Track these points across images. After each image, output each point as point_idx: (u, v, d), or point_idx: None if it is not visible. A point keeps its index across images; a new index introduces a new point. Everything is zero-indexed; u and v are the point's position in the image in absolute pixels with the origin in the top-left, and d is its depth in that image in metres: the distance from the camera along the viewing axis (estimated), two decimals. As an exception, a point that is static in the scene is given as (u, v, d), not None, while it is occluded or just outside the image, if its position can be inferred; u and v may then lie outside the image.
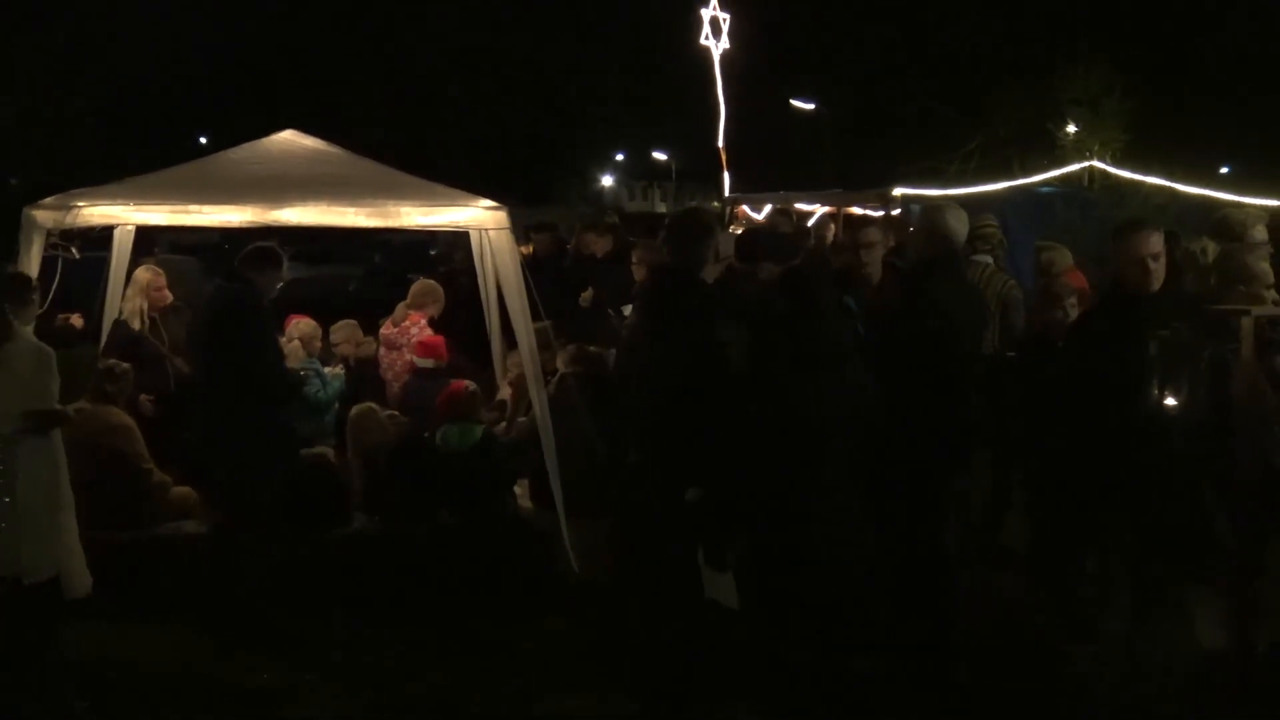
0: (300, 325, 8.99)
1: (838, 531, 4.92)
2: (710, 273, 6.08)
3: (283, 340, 8.27)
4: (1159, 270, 5.07)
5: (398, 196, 7.79)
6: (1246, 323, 4.57)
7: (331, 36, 46.09)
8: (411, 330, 9.61)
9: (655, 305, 5.65)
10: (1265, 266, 5.26)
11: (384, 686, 6.18)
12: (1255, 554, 4.64)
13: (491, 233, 7.99)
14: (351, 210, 7.61)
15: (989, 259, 8.48)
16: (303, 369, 8.32)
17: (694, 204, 25.08)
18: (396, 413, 8.65)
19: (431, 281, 10.08)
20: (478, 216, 7.85)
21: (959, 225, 5.93)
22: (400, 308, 9.93)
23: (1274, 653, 5.13)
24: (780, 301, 5.09)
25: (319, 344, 9.15)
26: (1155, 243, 5.09)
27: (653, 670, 5.49)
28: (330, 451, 8.08)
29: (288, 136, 8.45)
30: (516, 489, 8.28)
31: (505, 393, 9.31)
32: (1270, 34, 29.13)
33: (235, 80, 44.99)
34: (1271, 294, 5.19)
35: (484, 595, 7.26)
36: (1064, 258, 8.65)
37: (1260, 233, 5.93)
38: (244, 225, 7.64)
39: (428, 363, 9.06)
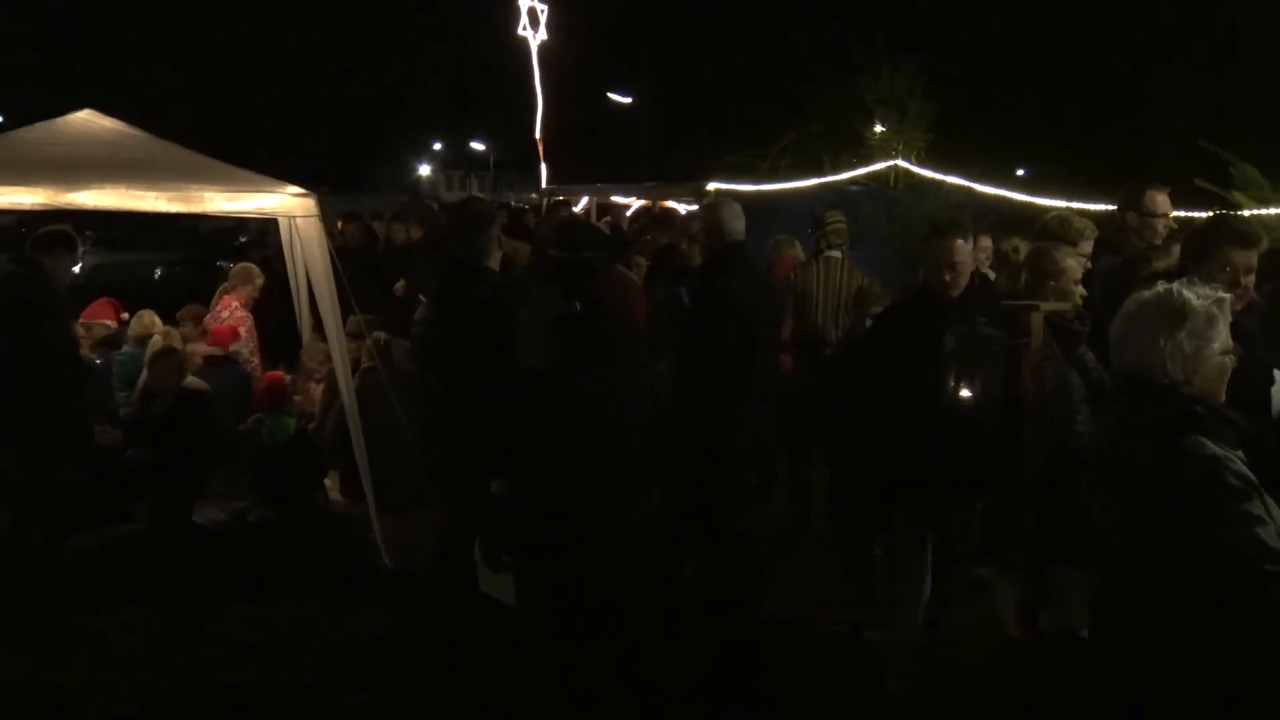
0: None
1: (625, 530, 4.91)
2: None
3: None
4: (958, 278, 5.23)
5: (201, 181, 7.55)
6: (1036, 317, 4.76)
7: (140, 18, 44.55)
8: (222, 314, 9.37)
9: (444, 297, 5.61)
10: (1073, 262, 5.44)
11: (186, 684, 6.00)
12: (1044, 541, 4.81)
13: (300, 220, 7.84)
14: (152, 195, 7.34)
15: (839, 253, 8.94)
16: None
17: (473, 194, 25.02)
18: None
19: (248, 263, 9.85)
20: (285, 203, 7.69)
21: (734, 220, 6.07)
22: (218, 292, 9.71)
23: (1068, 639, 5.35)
24: (563, 294, 5.07)
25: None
26: (961, 250, 5.25)
27: (457, 665, 5.44)
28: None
29: (85, 116, 8.10)
30: (327, 482, 8.17)
31: (312, 387, 9.15)
32: (1063, 44, 30.58)
33: (35, 59, 43.10)
34: (1080, 290, 5.38)
35: (294, 590, 7.12)
36: (789, 250, 9.28)
37: (1088, 246, 6.17)
38: (36, 208, 7.29)
39: (217, 351, 8.83)
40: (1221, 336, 3.45)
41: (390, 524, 7.71)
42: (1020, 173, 25.04)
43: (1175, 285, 3.54)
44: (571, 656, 5.01)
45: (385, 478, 7.81)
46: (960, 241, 5.27)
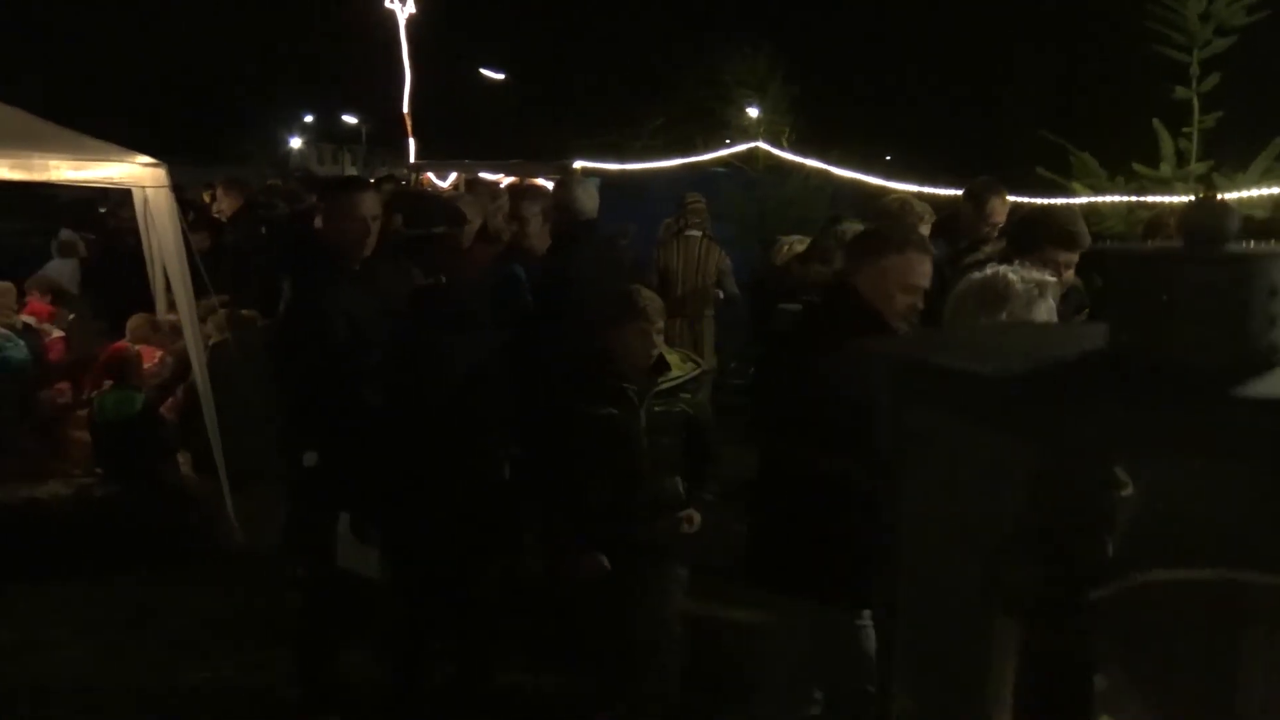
0: None
1: (480, 502, 4.99)
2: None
3: None
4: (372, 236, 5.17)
5: (45, 149, 7.36)
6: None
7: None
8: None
9: (289, 270, 5.61)
10: None
11: (17, 662, 5.91)
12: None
13: (150, 191, 7.71)
14: (-8, 162, 7.16)
15: (699, 232, 9.60)
16: None
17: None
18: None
19: (144, 315, 9.42)
20: (134, 173, 7.55)
21: (587, 198, 6.14)
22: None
23: None
24: (420, 268, 5.12)
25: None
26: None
27: (301, 638, 5.44)
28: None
29: (-77, 81, 7.87)
30: (180, 458, 8.05)
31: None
32: (925, 31, 31.23)
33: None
34: None
35: (141, 567, 7.01)
36: None
37: (925, 229, 6.36)
38: None
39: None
40: (1039, 319, 3.56)
41: (244, 501, 7.61)
42: (888, 158, 25.49)
43: (1003, 268, 3.69)
44: (419, 628, 5.06)
45: (237, 454, 7.72)
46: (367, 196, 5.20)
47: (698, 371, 5.05)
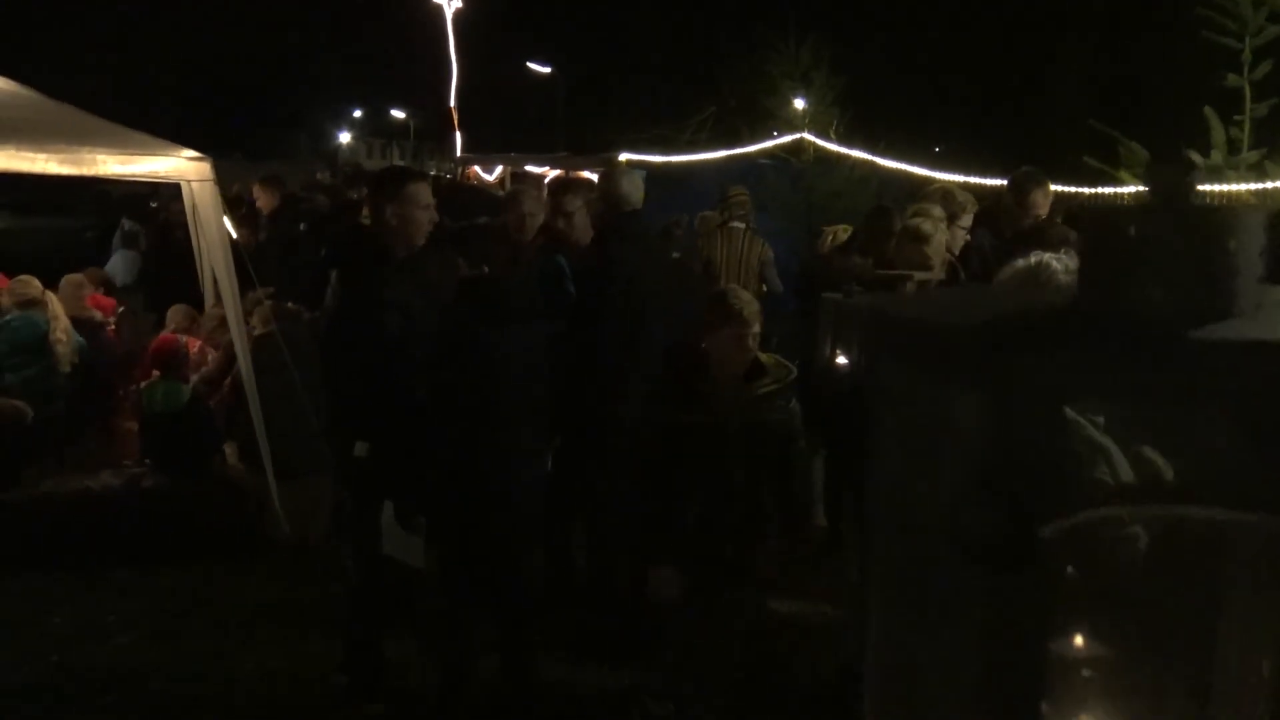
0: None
1: (521, 493, 4.99)
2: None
3: None
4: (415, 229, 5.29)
5: (93, 143, 7.43)
6: (910, 287, 4.89)
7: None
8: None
9: (336, 263, 5.65)
10: (941, 238, 5.56)
11: (69, 650, 5.97)
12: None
13: (195, 185, 7.78)
14: (42, 157, 7.22)
15: (743, 225, 9.59)
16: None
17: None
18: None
19: (180, 305, 9.50)
20: (179, 167, 7.61)
21: (632, 189, 6.13)
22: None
23: None
24: (465, 259, 5.12)
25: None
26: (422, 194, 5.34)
27: (347, 628, 5.48)
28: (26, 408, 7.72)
29: (-26, 76, 7.97)
30: (226, 449, 8.12)
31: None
32: (970, 23, 30.96)
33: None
34: (945, 258, 5.50)
35: (187, 557, 7.08)
36: None
37: (968, 220, 6.32)
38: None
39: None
40: None
41: (290, 492, 7.67)
42: (937, 149, 25.27)
43: (1048, 256, 3.64)
44: (463, 618, 5.06)
45: (283, 446, 7.78)
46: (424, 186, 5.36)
47: (792, 377, 4.73)
